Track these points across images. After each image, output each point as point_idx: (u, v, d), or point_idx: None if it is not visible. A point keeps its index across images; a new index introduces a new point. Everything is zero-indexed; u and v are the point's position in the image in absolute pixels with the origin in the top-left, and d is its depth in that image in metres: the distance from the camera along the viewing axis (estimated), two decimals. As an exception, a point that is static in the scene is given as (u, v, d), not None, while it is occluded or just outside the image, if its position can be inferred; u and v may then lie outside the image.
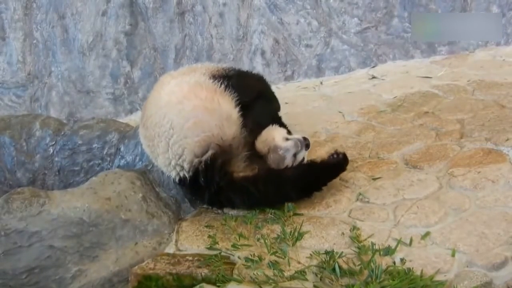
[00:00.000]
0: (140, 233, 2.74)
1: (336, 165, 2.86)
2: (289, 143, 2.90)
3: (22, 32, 4.50)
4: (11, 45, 4.50)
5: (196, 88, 2.85)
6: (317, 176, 2.83)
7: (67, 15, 4.51)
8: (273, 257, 2.50)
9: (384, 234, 2.59)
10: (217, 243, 2.67)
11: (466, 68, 4.57)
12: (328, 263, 2.40)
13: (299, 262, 2.47)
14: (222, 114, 2.80)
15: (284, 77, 4.85)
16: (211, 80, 2.94)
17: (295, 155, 2.91)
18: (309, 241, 2.60)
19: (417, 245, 2.51)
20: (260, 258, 2.49)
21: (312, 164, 2.88)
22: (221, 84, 2.92)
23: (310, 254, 2.50)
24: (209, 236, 2.72)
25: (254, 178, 2.73)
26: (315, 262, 2.46)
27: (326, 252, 2.47)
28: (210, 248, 2.64)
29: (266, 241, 2.60)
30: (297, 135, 3.00)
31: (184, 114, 2.76)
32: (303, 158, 2.98)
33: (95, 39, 4.56)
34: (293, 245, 2.58)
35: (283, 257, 2.49)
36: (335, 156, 2.87)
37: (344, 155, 2.89)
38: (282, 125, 3.19)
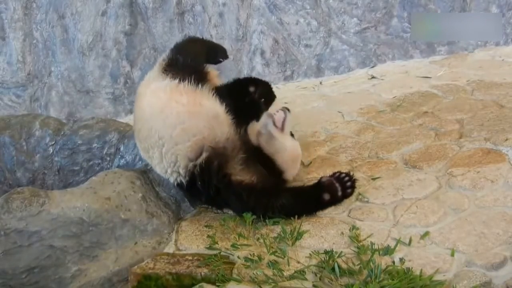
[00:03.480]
0: (139, 232, 2.75)
1: (332, 201, 2.82)
2: (262, 119, 2.89)
3: (22, 32, 4.50)
4: (11, 45, 4.50)
5: (175, 94, 2.83)
6: (309, 207, 2.78)
7: (67, 15, 4.51)
8: (272, 257, 2.51)
9: (384, 233, 2.59)
10: (216, 243, 2.67)
11: (465, 68, 4.57)
12: (328, 263, 2.40)
13: (298, 262, 2.48)
14: (208, 114, 2.78)
15: (283, 77, 4.85)
16: (171, 78, 2.92)
17: (275, 122, 2.87)
18: (308, 240, 2.61)
19: (417, 244, 2.52)
20: (260, 258, 2.49)
21: (307, 193, 2.83)
22: (174, 77, 2.91)
23: (310, 254, 2.50)
24: (208, 236, 2.72)
25: (249, 187, 2.72)
26: (314, 261, 2.46)
27: (326, 252, 2.47)
28: (209, 248, 2.65)
29: (266, 240, 2.60)
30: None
31: (169, 123, 2.75)
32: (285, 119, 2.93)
33: (95, 39, 4.56)
34: (292, 244, 2.58)
35: (282, 256, 2.49)
36: (340, 184, 2.83)
37: (352, 186, 2.85)
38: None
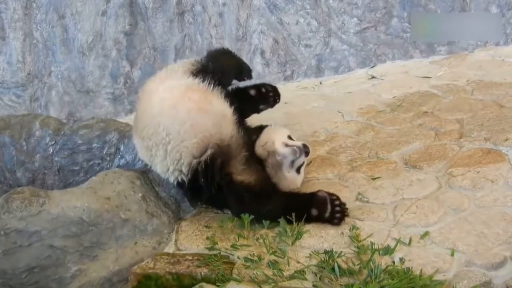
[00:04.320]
0: (139, 232, 2.75)
1: (319, 218, 2.71)
2: (287, 150, 2.86)
3: (22, 32, 4.50)
4: (11, 45, 4.50)
5: (188, 92, 2.83)
6: (296, 217, 2.69)
7: (67, 15, 4.51)
8: (272, 257, 2.51)
9: (384, 233, 2.59)
10: (216, 243, 2.67)
11: (465, 68, 4.57)
12: (327, 263, 2.40)
13: (298, 262, 2.48)
14: (218, 113, 2.79)
15: (283, 77, 4.85)
16: (194, 78, 2.92)
17: (293, 162, 2.88)
18: (308, 240, 2.61)
19: (417, 244, 2.52)
20: (260, 258, 2.49)
21: (297, 203, 2.76)
22: (203, 80, 2.89)
23: (310, 254, 2.50)
24: (208, 238, 2.72)
25: (247, 188, 2.72)
26: (314, 261, 2.46)
27: (325, 252, 2.47)
28: (210, 249, 2.64)
29: (265, 241, 2.60)
30: (297, 142, 2.95)
31: (179, 119, 2.74)
32: (303, 163, 2.95)
33: (95, 39, 4.56)
34: (292, 244, 2.58)
35: (282, 256, 2.49)
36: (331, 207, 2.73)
37: (341, 217, 2.71)
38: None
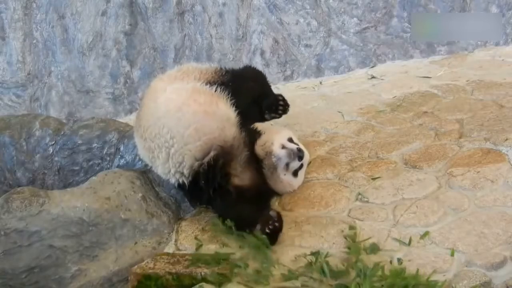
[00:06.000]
0: (139, 232, 2.75)
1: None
2: (282, 152, 2.83)
3: (22, 32, 4.50)
4: (11, 45, 4.50)
5: (194, 94, 2.82)
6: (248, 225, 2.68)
7: (67, 15, 4.51)
8: (264, 258, 2.50)
9: (383, 233, 2.60)
10: (201, 246, 2.66)
11: (465, 68, 4.57)
12: (321, 263, 2.40)
13: (292, 261, 2.48)
14: (223, 116, 2.78)
15: (283, 77, 4.85)
16: (208, 86, 2.90)
17: (288, 164, 2.86)
18: (308, 240, 2.61)
19: (416, 244, 2.52)
20: (247, 261, 2.48)
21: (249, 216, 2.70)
22: (217, 89, 2.88)
23: (304, 254, 2.49)
24: (195, 238, 2.72)
25: (240, 190, 2.73)
26: (308, 261, 2.46)
27: (313, 253, 2.47)
28: (195, 259, 2.59)
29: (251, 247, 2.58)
30: (294, 145, 2.91)
31: (184, 122, 2.73)
32: (301, 166, 2.94)
33: (95, 39, 4.56)
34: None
35: (273, 258, 2.49)
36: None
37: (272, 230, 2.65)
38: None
